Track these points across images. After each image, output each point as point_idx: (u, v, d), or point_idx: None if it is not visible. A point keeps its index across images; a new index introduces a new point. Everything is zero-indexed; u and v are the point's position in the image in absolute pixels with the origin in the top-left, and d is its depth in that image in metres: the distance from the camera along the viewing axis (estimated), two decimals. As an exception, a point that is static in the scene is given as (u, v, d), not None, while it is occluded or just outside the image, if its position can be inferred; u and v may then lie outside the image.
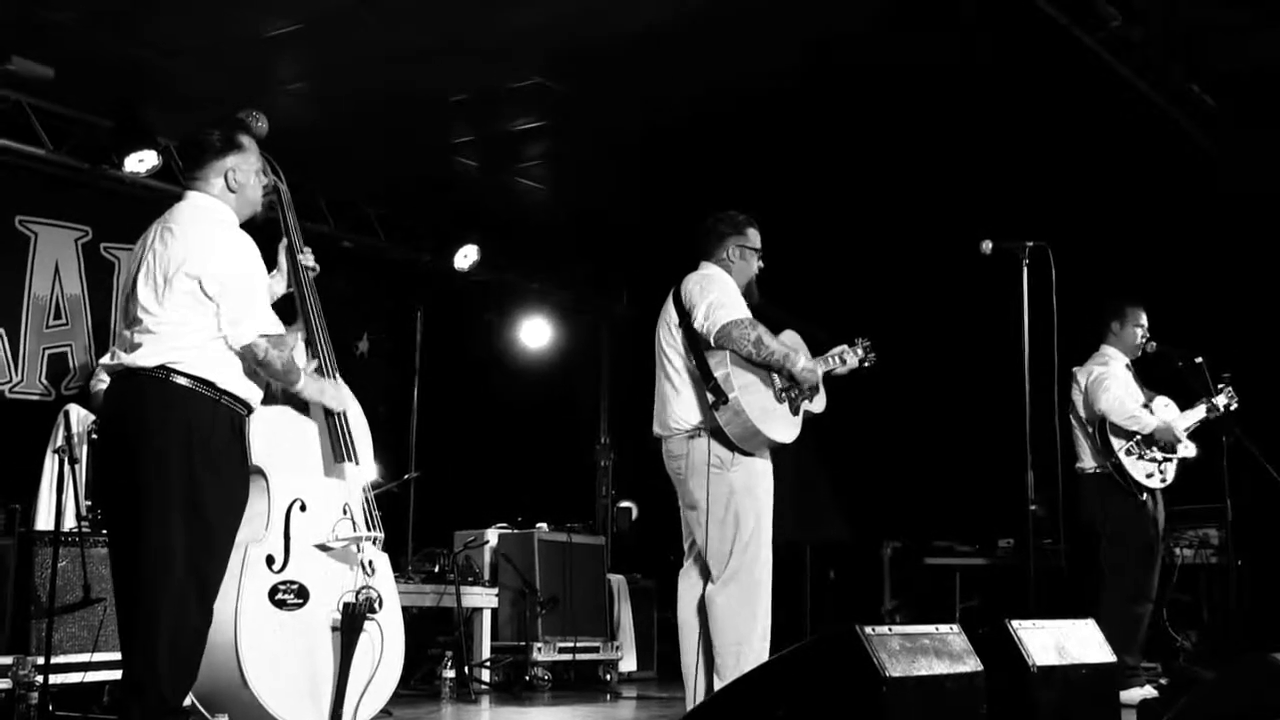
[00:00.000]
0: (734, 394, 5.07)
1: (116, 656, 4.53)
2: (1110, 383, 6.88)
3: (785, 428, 5.26)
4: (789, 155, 8.54)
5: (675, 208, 7.46)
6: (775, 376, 5.26)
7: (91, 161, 7.93)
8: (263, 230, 4.45)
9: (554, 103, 7.91)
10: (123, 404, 4.08)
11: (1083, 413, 6.97)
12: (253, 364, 4.20)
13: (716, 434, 5.16)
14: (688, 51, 7.17)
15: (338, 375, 4.71)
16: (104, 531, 5.66)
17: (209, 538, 4.01)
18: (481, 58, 7.30)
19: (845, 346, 5.56)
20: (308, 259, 4.79)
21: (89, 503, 5.98)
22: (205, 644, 4.03)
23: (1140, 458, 6.80)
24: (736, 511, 5.16)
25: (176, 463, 3.95)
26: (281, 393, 4.60)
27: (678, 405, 5.26)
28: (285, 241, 4.77)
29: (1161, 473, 6.86)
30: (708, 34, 6.97)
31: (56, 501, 5.64)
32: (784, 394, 5.28)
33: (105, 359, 4.23)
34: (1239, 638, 7.17)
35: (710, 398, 5.11)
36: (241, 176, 4.30)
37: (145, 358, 4.01)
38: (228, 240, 4.18)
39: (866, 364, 5.63)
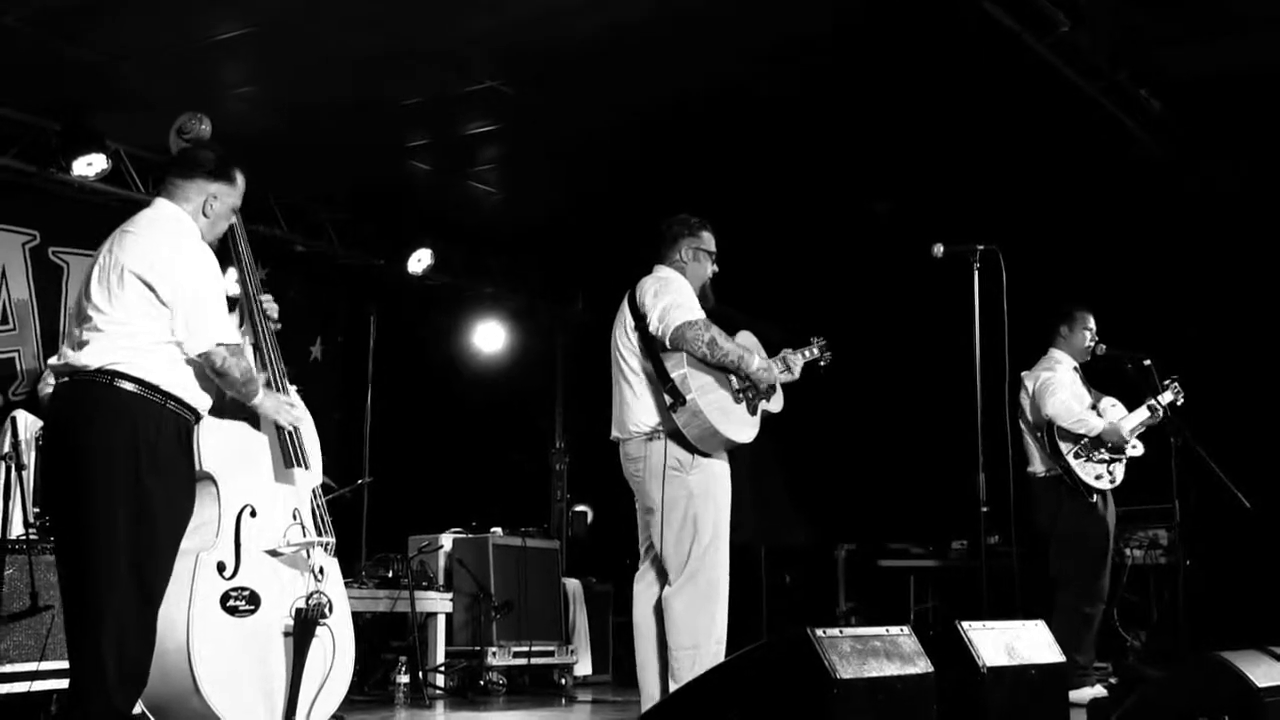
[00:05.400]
0: (691, 395, 5.07)
1: (64, 665, 4.49)
2: (1056, 387, 6.93)
3: (743, 428, 5.27)
4: (744, 159, 8.56)
5: (630, 211, 7.46)
6: (732, 377, 5.26)
7: (39, 165, 7.85)
8: (219, 252, 4.42)
9: (508, 107, 7.89)
10: (68, 409, 4.05)
11: (1031, 418, 7.02)
12: (210, 373, 4.17)
13: (675, 436, 5.15)
14: (642, 56, 7.18)
15: (288, 386, 4.71)
16: (51, 539, 5.60)
17: (153, 544, 3.98)
18: (435, 62, 7.28)
19: (788, 350, 5.57)
20: (269, 308, 4.74)
21: (36, 509, 5.92)
22: (153, 651, 4.00)
23: (1088, 460, 6.86)
24: (695, 515, 5.15)
25: (121, 467, 3.92)
26: (232, 407, 4.58)
27: (636, 408, 5.25)
28: (239, 279, 4.72)
29: (1110, 474, 6.92)
30: (662, 38, 6.98)
31: (3, 508, 5.58)
32: (741, 394, 5.29)
33: (53, 360, 4.19)
34: (1187, 637, 7.25)
35: (667, 399, 5.10)
36: (220, 206, 4.32)
37: (90, 357, 3.98)
38: (187, 249, 4.17)
39: (823, 363, 5.65)
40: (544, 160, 8.82)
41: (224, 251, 4.61)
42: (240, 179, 4.38)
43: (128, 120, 7.79)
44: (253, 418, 4.62)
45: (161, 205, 4.25)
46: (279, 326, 4.78)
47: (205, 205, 4.27)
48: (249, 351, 4.56)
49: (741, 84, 7.55)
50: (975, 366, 5.77)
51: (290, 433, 4.65)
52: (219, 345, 4.13)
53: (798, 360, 5.55)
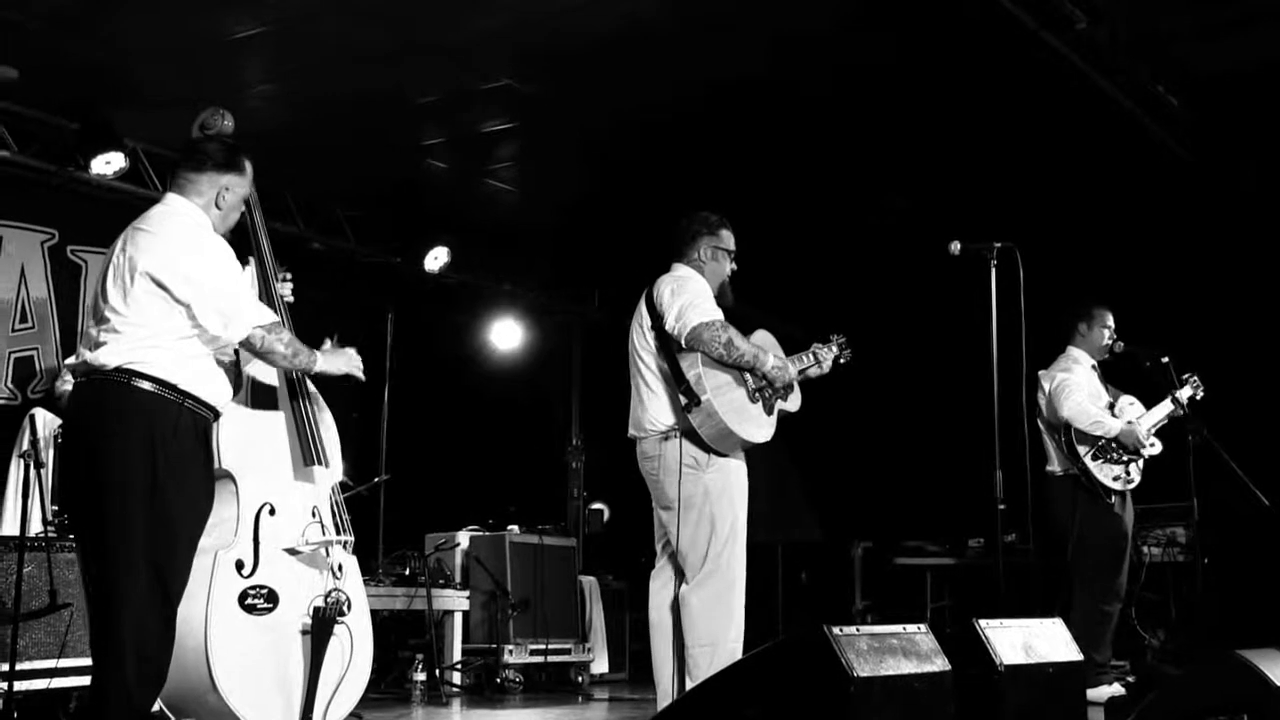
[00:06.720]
0: (706, 395, 5.06)
1: (83, 662, 4.51)
2: (1072, 389, 6.89)
3: (759, 428, 5.26)
4: (760, 156, 8.55)
5: (646, 209, 7.46)
6: (748, 376, 5.25)
7: (58, 164, 7.88)
8: (235, 243, 4.44)
9: (523, 104, 7.90)
10: (85, 409, 4.06)
11: (1048, 417, 7.00)
12: (255, 357, 4.22)
13: (690, 435, 5.14)
14: (656, 53, 7.17)
15: (308, 381, 4.73)
16: (70, 536, 5.62)
17: (172, 542, 3.99)
18: (450, 59, 7.28)
19: (818, 344, 5.58)
20: (285, 290, 4.78)
21: (55, 507, 5.94)
22: (172, 649, 4.00)
23: (1106, 461, 6.83)
24: (711, 513, 5.15)
25: (139, 466, 3.93)
26: (250, 397, 4.59)
27: (652, 407, 5.25)
28: (256, 265, 4.74)
29: (1128, 475, 6.89)
30: (676, 35, 6.97)
31: (22, 506, 5.60)
32: (758, 394, 5.28)
33: (71, 359, 4.21)
34: (1205, 636, 7.22)
35: (683, 400, 5.09)
36: (232, 198, 4.31)
37: (107, 357, 3.98)
38: (201, 243, 4.17)
39: (843, 360, 5.65)
40: (560, 158, 8.82)
41: (243, 239, 4.64)
42: (249, 168, 4.38)
43: (146, 119, 7.81)
44: (270, 408, 4.65)
45: (173, 201, 4.25)
46: (291, 300, 4.82)
47: (218, 197, 4.27)
48: None
49: (758, 82, 7.53)
50: (993, 364, 5.75)
51: (309, 429, 4.67)
52: (255, 328, 4.16)
53: (827, 355, 5.56)
